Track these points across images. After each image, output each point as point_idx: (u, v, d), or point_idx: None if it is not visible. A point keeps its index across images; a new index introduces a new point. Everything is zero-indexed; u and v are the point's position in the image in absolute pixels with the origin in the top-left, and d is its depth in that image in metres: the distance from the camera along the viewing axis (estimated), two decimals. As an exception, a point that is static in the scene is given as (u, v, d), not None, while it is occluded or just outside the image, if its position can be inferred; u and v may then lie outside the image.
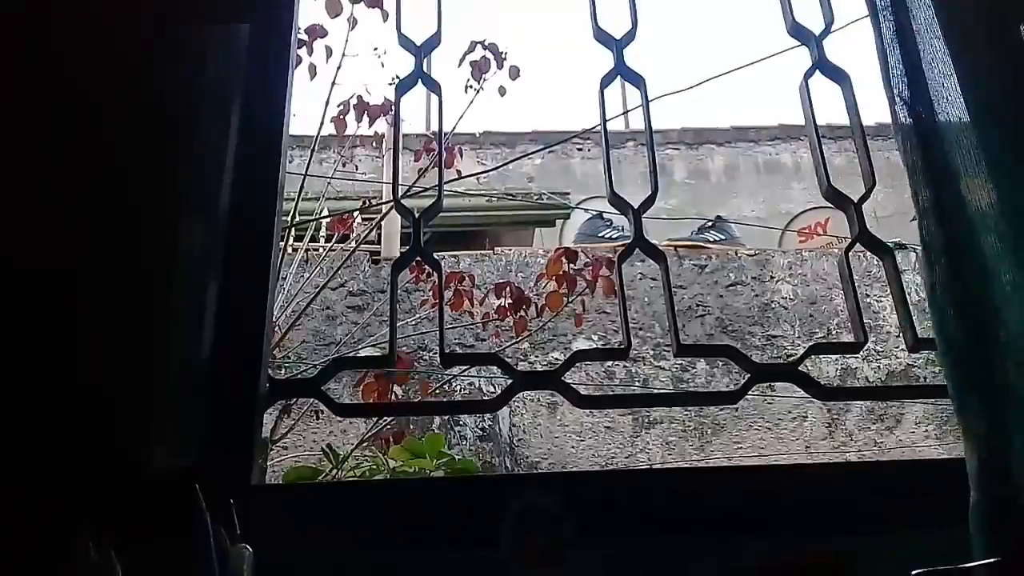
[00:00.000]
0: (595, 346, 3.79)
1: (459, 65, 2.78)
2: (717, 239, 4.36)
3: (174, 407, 0.75)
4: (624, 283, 0.93)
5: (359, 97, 2.94)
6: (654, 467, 3.44)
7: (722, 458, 3.60)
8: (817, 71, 0.96)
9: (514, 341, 3.06)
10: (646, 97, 0.94)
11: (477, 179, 8.72)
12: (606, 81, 0.96)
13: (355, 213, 3.58)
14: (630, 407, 3.42)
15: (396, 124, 0.99)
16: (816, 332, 3.89)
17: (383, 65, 2.80)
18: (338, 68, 2.79)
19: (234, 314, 0.78)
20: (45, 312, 0.71)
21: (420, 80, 0.95)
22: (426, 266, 2.86)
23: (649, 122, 0.93)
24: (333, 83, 2.80)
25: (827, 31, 0.99)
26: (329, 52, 2.93)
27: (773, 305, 3.96)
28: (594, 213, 4.68)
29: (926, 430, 3.66)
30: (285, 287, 3.50)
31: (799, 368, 0.87)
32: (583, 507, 0.82)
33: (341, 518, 0.79)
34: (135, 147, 0.84)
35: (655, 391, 3.58)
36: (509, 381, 0.97)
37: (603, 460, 3.57)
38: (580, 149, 9.68)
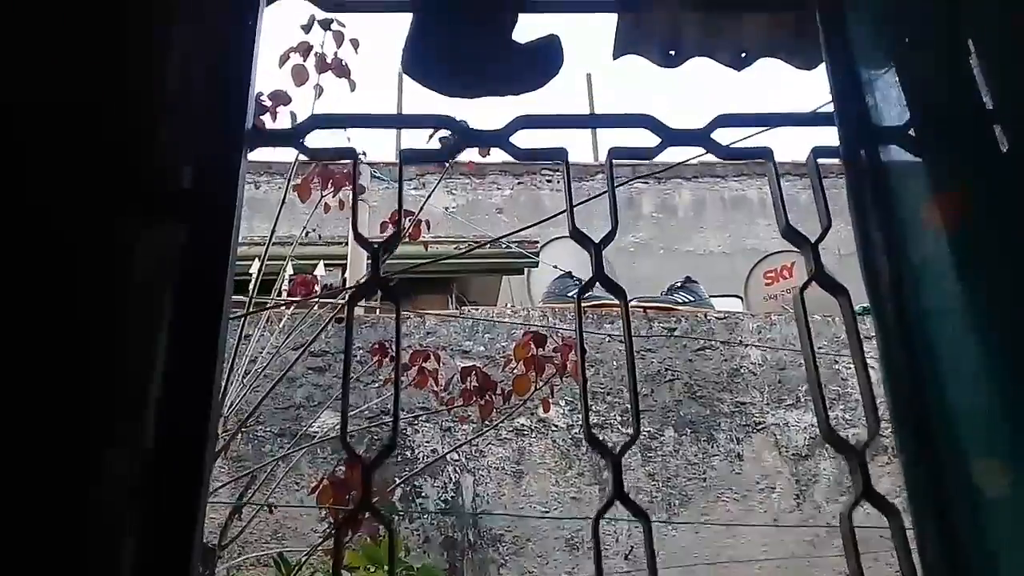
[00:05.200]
0: (562, 412, 3.71)
1: (428, 141, 2.69)
2: (686, 300, 4.32)
3: None
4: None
5: (324, 165, 2.84)
6: None
7: (689, 531, 3.54)
8: (813, 283, 0.89)
9: (481, 433, 2.96)
10: (627, 309, 0.86)
11: (446, 209, 8.64)
12: (583, 291, 0.89)
13: (316, 274, 3.47)
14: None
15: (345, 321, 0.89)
16: (785, 399, 3.86)
17: (349, 140, 2.69)
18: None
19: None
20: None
21: (377, 287, 0.87)
22: (388, 350, 2.76)
23: (630, 338, 0.85)
24: (296, 157, 2.70)
25: (823, 235, 0.92)
26: (294, 118, 2.83)
27: (742, 370, 3.92)
28: (563, 272, 4.61)
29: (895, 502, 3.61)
30: (249, 346, 3.39)
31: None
32: None
33: None
34: (34, 368, 0.74)
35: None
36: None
37: (568, 533, 3.48)
38: (549, 181, 9.66)
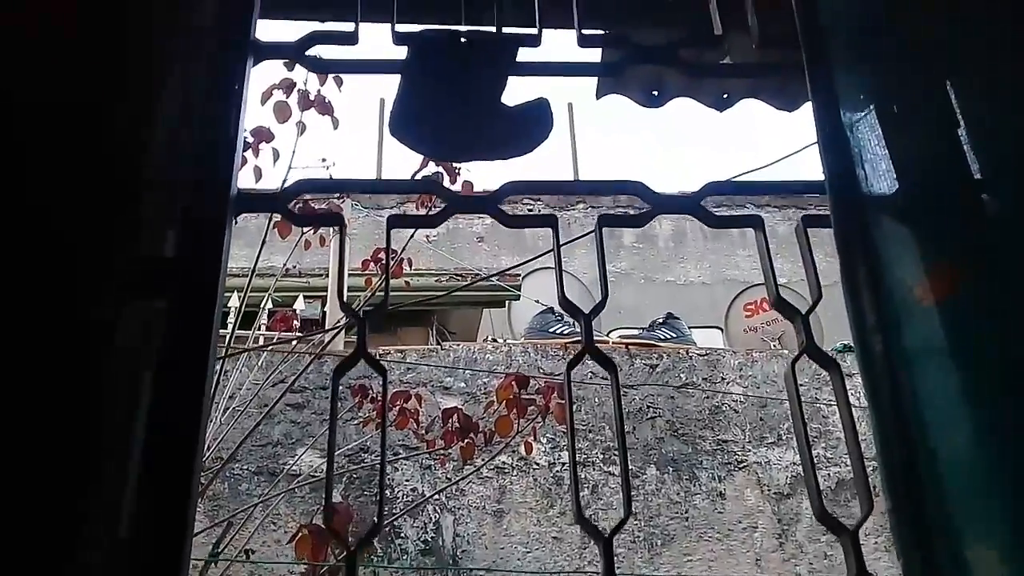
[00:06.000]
0: (544, 450, 3.68)
1: (411, 179, 2.69)
2: (668, 337, 4.32)
3: None
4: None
5: (305, 202, 2.82)
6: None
7: (671, 570, 3.50)
8: (804, 355, 0.89)
9: (464, 476, 2.92)
10: (618, 386, 0.85)
11: (427, 238, 8.62)
12: (572, 364, 0.87)
13: (296, 308, 3.44)
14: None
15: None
16: (767, 437, 3.85)
17: (331, 177, 2.68)
18: (286, 177, 2.68)
19: None
20: None
21: (363, 359, 0.85)
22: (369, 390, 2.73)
23: (621, 420, 0.84)
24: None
25: (813, 307, 0.91)
26: (276, 155, 2.82)
27: (724, 408, 3.91)
28: (545, 307, 4.60)
29: (876, 542, 3.62)
30: (229, 383, 3.36)
31: None
32: None
33: None
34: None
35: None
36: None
37: (550, 574, 3.44)
38: (531, 210, 9.67)
